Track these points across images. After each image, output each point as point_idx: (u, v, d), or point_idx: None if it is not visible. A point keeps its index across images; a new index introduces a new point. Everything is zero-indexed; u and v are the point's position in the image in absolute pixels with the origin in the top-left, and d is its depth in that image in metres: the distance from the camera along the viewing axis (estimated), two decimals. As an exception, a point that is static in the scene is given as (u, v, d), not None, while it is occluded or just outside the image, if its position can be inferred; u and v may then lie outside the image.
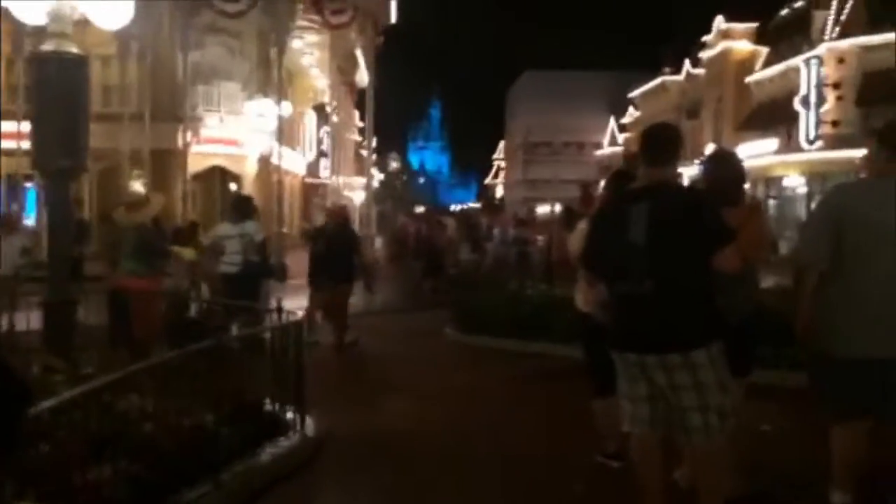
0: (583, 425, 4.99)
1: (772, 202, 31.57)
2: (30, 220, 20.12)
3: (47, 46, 5.00)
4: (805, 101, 28.72)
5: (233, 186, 22.95)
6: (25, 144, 10.48)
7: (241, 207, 8.86)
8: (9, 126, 18.86)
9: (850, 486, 3.49)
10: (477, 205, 69.22)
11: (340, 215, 10.26)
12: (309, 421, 5.22)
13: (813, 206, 26.76)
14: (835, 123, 27.91)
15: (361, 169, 33.52)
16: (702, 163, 4.36)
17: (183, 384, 4.20)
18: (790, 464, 4.69)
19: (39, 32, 5.24)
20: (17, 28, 16.46)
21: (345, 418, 5.92)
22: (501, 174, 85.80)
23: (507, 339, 8.98)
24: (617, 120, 55.94)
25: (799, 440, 5.02)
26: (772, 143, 31.40)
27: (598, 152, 60.57)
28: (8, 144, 19.06)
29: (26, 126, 6.03)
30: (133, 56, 19.92)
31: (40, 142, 5.17)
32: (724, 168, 4.17)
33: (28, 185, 19.93)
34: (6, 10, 5.33)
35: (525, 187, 68.13)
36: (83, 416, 3.46)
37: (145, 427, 3.84)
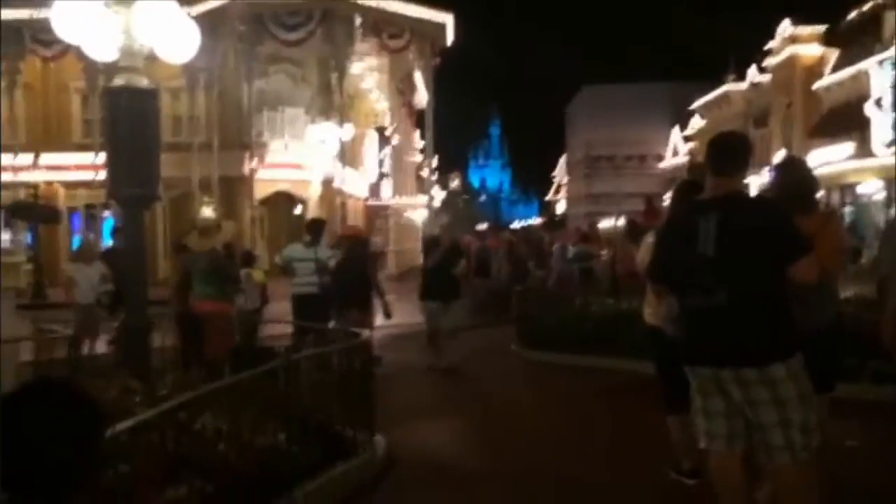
0: (656, 442, 4.87)
1: (847, 209, 30.47)
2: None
3: (119, 81, 5.19)
4: (878, 105, 27.70)
5: (297, 210, 23.43)
6: (102, 175, 10.93)
7: (316, 231, 8.92)
8: (86, 158, 19.75)
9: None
10: (539, 221, 68.86)
11: (353, 237, 9.69)
12: (377, 440, 5.24)
13: (892, 212, 25.77)
14: (911, 126, 26.82)
15: (422, 189, 33.77)
16: (772, 171, 4.23)
17: (255, 404, 4.26)
18: (878, 482, 4.47)
19: (112, 68, 5.44)
20: (91, 65, 17.25)
21: (412, 437, 5.92)
22: (563, 189, 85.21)
23: (574, 354, 8.87)
24: (680, 131, 55.00)
25: (887, 457, 4.79)
26: (845, 148, 30.33)
27: (661, 164, 59.63)
28: (86, 175, 19.96)
29: (102, 158, 6.30)
30: (201, 87, 20.61)
31: (114, 172, 5.35)
32: (794, 175, 4.04)
33: (106, 213, 20.74)
34: (80, 47, 5.56)
35: (588, 202, 67.49)
36: (160, 436, 3.54)
37: (219, 447, 3.91)
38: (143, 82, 5.22)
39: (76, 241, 22.67)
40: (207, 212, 19.11)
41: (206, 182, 20.24)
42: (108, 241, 21.08)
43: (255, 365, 4.58)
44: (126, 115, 5.20)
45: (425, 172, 27.49)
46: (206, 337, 6.70)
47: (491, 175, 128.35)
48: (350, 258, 8.78)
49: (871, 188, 29.30)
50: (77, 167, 20.95)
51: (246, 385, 4.25)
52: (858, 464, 4.75)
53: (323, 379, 5.12)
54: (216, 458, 3.82)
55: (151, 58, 5.39)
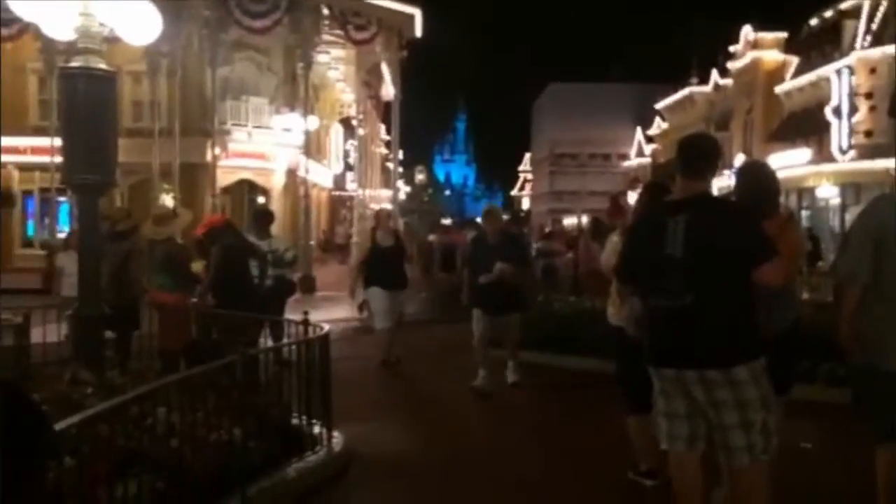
0: (615, 442, 4.88)
1: (805, 213, 31.11)
2: (63, 234, 20.47)
3: (76, 62, 5.03)
4: (837, 111, 28.30)
5: (260, 199, 23.15)
6: (58, 159, 10.62)
7: (265, 221, 8.66)
8: (42, 141, 19.23)
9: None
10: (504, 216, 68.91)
11: (208, 228, 7.71)
12: (336, 436, 5.17)
13: (847, 216, 26.38)
14: (868, 133, 27.47)
15: (388, 181, 33.63)
16: (735, 174, 4.26)
17: (210, 399, 4.17)
18: (833, 484, 4.54)
19: (70, 49, 5.28)
20: (49, 45, 16.78)
21: (372, 433, 5.86)
22: (528, 186, 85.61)
23: (535, 352, 8.86)
24: (643, 131, 55.60)
25: (840, 459, 4.87)
26: (803, 153, 30.96)
27: (625, 163, 60.23)
28: (42, 159, 19.45)
29: (59, 142, 6.09)
30: (163, 72, 20.17)
31: (69, 157, 5.20)
32: (759, 179, 4.06)
33: (61, 198, 20.24)
34: (38, 27, 5.38)
35: (551, 199, 67.90)
36: (109, 430, 3.43)
37: (172, 442, 3.81)
38: (102, 65, 5.06)
39: (30, 226, 22.16)
40: (167, 199, 18.76)
41: (166, 169, 19.83)
42: (64, 227, 20.63)
43: (212, 358, 4.48)
44: (83, 98, 5.05)
45: (391, 165, 27.34)
46: (161, 329, 6.55)
47: (456, 170, 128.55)
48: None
49: (829, 193, 29.95)
50: (33, 150, 20.40)
51: (201, 379, 4.15)
52: (812, 465, 4.83)
53: (280, 373, 5.04)
54: (169, 453, 3.72)
55: (112, 40, 5.24)
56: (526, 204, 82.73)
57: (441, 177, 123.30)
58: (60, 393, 4.41)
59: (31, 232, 22.12)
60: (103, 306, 5.33)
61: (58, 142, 12.10)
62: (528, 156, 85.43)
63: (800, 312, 4.16)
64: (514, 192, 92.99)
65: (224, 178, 21.34)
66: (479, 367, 7.49)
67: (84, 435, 3.24)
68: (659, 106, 49.26)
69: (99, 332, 5.30)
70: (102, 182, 5.27)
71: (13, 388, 1.44)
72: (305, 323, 5.51)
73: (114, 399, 3.60)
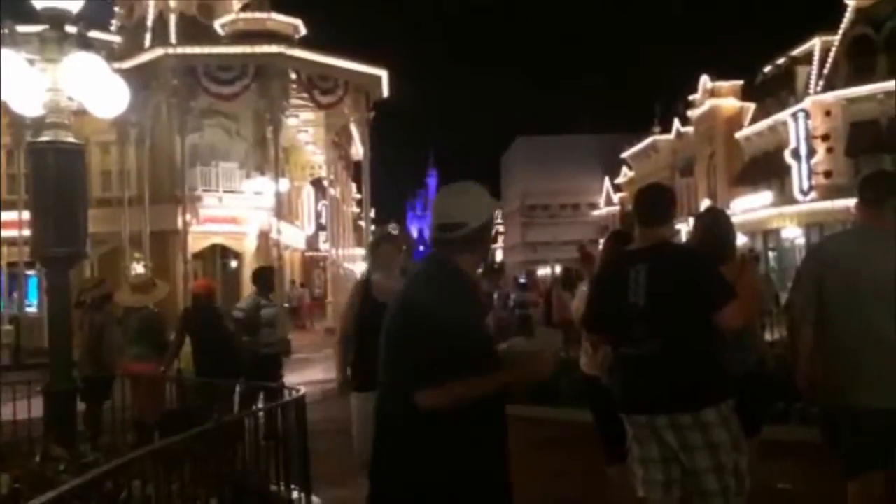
0: (595, 492, 4.87)
1: (771, 254, 31.66)
2: (32, 307, 20.17)
3: (45, 137, 5.07)
4: (796, 154, 29.13)
5: (233, 263, 23.06)
6: (27, 233, 10.52)
7: (269, 280, 7.89)
8: (10, 215, 19.08)
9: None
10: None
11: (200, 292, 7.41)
12: (315, 501, 5.11)
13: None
14: (827, 174, 28.25)
15: (361, 240, 33.69)
16: (693, 221, 4.40)
17: (186, 468, 4.12)
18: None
19: (38, 122, 5.32)
20: (17, 119, 16.79)
21: (351, 497, 5.78)
22: (500, 238, 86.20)
23: (513, 404, 8.82)
24: (611, 180, 56.57)
25: (818, 497, 4.90)
26: (766, 195, 31.70)
27: (595, 212, 61.06)
28: (9, 233, 19.27)
29: (27, 215, 6.09)
30: (132, 141, 20.27)
31: (39, 230, 5.19)
32: (714, 225, 4.20)
33: (29, 272, 20.01)
34: (5, 103, 5.43)
35: (524, 250, 68.37)
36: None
37: (147, 515, 3.74)
38: (70, 138, 5.11)
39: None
40: (138, 267, 18.63)
41: (136, 237, 19.76)
42: (33, 301, 20.33)
43: (186, 427, 4.43)
44: (51, 172, 5.06)
45: (363, 223, 27.45)
46: (135, 399, 6.47)
47: (428, 225, 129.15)
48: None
49: (793, 233, 30.57)
50: (1, 224, 20.23)
51: (176, 449, 4.10)
52: (791, 505, 4.86)
53: (257, 438, 4.99)
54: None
55: (80, 111, 5.30)
56: (499, 256, 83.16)
57: (414, 233, 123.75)
58: (33, 470, 4.33)
59: (-1, 307, 21.79)
60: (75, 380, 5.27)
61: (26, 215, 12.00)
62: (499, 209, 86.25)
63: (764, 353, 4.25)
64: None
65: (196, 244, 21.27)
66: None
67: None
68: (625, 155, 50.26)
69: (70, 406, 5.22)
70: (73, 254, 5.26)
71: None
72: (281, 386, 5.49)
73: (87, 474, 3.55)
